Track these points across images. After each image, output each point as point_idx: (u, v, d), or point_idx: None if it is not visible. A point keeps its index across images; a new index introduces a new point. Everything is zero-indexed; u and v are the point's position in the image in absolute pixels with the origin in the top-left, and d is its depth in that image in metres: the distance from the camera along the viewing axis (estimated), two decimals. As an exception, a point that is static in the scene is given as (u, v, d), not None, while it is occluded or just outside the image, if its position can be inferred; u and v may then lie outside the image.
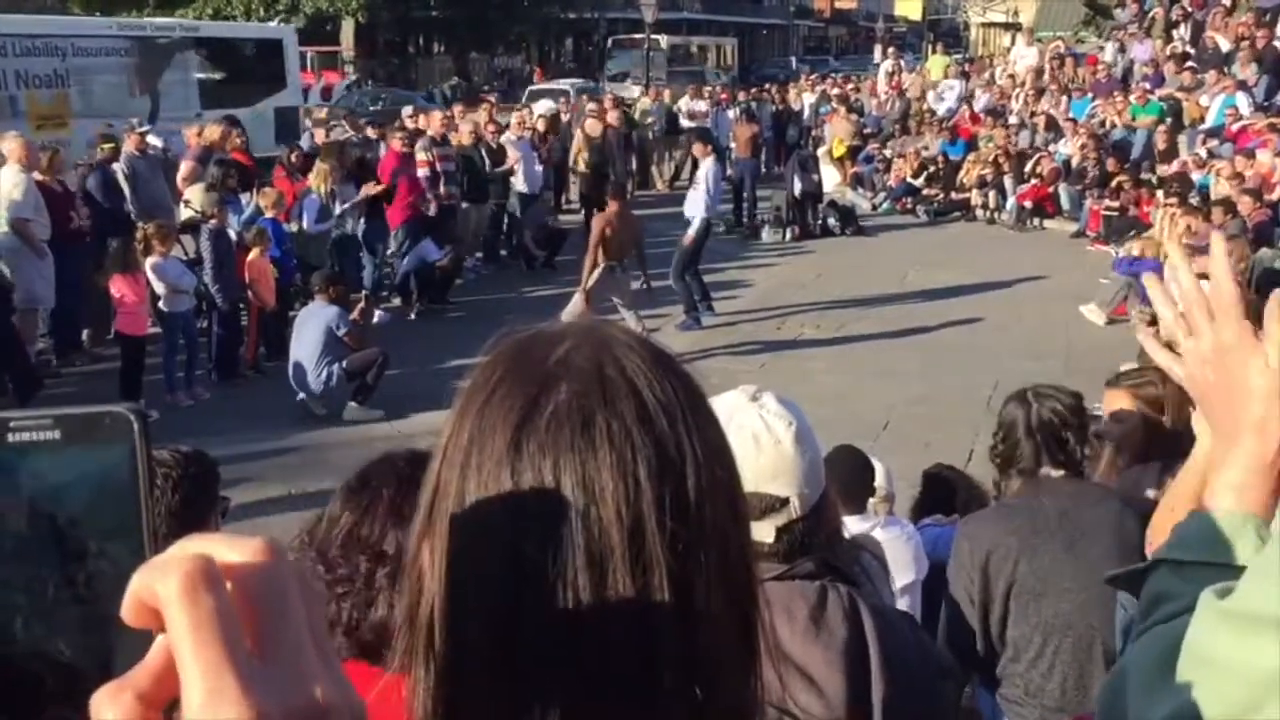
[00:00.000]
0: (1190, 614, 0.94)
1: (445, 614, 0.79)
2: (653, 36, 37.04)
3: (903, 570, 3.97)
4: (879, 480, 4.51)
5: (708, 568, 0.78)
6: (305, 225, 11.42)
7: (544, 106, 19.87)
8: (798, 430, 1.68)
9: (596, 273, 10.33)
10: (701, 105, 22.85)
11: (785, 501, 1.66)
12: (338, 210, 12.11)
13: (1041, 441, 3.21)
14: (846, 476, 3.63)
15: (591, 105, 20.07)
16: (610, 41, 40.34)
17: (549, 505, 0.76)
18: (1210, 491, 1.13)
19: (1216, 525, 1.08)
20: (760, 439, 1.65)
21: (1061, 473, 3.24)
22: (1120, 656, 1.16)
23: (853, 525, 3.84)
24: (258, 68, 22.76)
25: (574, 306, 10.05)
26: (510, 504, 0.77)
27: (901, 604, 3.77)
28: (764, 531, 1.64)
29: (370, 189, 12.44)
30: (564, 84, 35.20)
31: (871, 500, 4.40)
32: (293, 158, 12.78)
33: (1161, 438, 3.44)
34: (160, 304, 9.46)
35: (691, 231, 11.97)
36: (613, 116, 18.34)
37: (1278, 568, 0.87)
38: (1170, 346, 1.24)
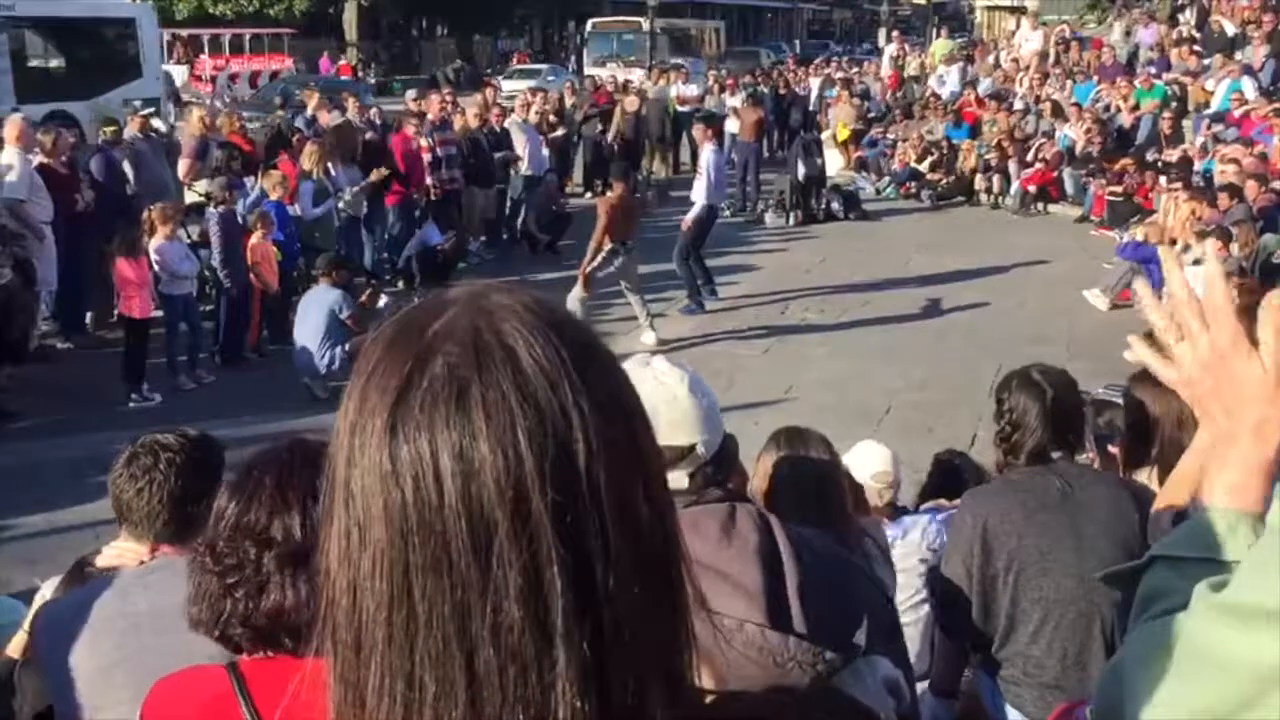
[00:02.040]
0: (1185, 610, 0.95)
1: (344, 596, 0.78)
2: (633, 19, 36.91)
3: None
4: (885, 465, 4.49)
5: (605, 534, 0.76)
6: (302, 211, 11.35)
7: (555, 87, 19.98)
8: (690, 382, 1.84)
9: (600, 256, 10.31)
10: (693, 90, 22.75)
11: (691, 448, 1.81)
12: (343, 192, 12.01)
13: (1055, 427, 3.21)
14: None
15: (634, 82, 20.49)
16: (590, 25, 40.01)
17: (428, 485, 0.75)
18: (1208, 492, 1.12)
19: (1212, 523, 1.09)
20: (657, 398, 1.77)
21: (1061, 453, 3.26)
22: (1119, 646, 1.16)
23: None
24: (102, 53, 19.96)
25: (577, 291, 10.05)
26: (390, 487, 0.76)
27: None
28: (678, 479, 1.78)
29: (376, 175, 12.41)
30: (539, 68, 35.27)
31: (878, 486, 4.38)
32: (296, 140, 12.76)
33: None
34: (160, 287, 9.45)
35: (690, 216, 11.94)
36: (658, 93, 18.70)
37: (1276, 560, 0.87)
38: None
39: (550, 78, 31.21)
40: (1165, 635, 0.98)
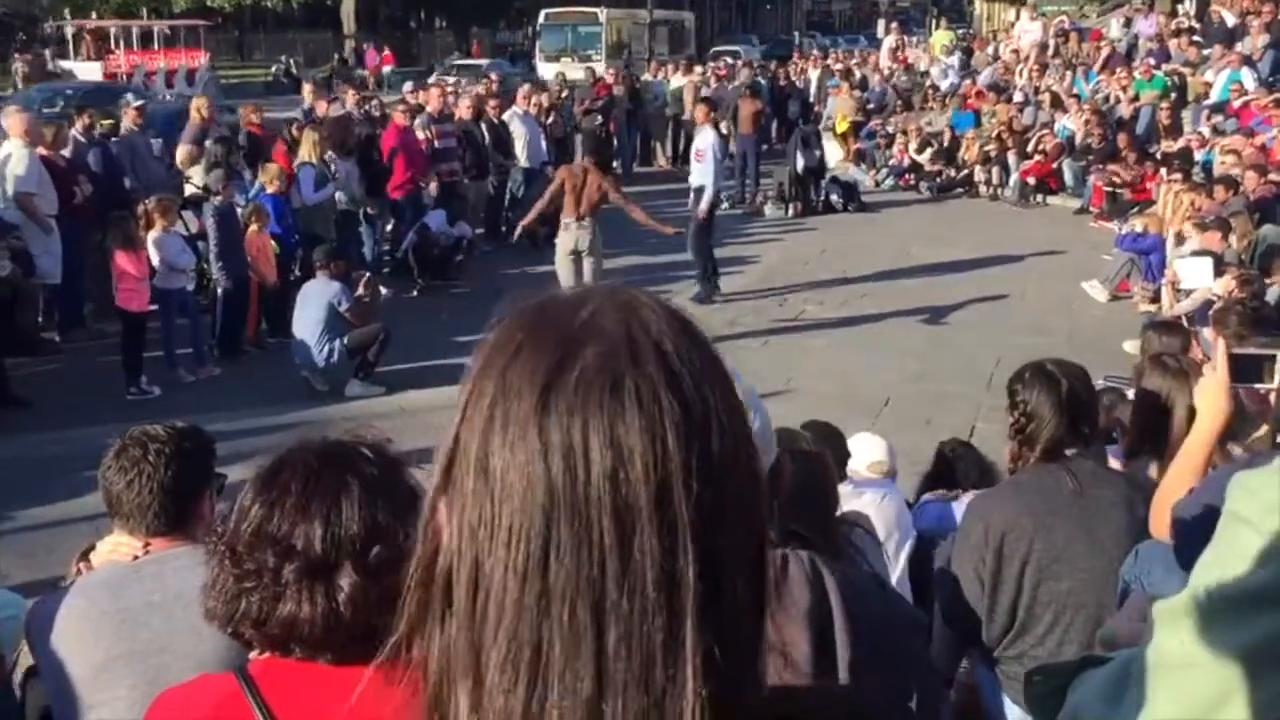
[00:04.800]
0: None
1: (467, 567, 0.80)
2: (589, 10, 34.93)
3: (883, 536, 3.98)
4: (881, 455, 4.51)
5: (731, 530, 0.80)
6: (304, 196, 11.30)
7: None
8: (743, 394, 1.68)
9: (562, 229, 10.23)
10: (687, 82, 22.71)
11: None
12: (333, 183, 11.91)
13: (1070, 419, 3.18)
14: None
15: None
16: (542, 16, 36.13)
17: (577, 466, 0.77)
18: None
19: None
20: None
21: (1075, 450, 3.21)
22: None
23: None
24: None
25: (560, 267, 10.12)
26: (537, 464, 0.78)
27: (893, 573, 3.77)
28: None
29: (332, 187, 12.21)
30: (480, 62, 34.08)
31: (874, 476, 4.40)
32: (294, 130, 12.67)
33: None
34: (155, 280, 9.41)
35: (704, 204, 11.78)
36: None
37: (1241, 545, 0.85)
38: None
39: (491, 73, 30.40)
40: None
